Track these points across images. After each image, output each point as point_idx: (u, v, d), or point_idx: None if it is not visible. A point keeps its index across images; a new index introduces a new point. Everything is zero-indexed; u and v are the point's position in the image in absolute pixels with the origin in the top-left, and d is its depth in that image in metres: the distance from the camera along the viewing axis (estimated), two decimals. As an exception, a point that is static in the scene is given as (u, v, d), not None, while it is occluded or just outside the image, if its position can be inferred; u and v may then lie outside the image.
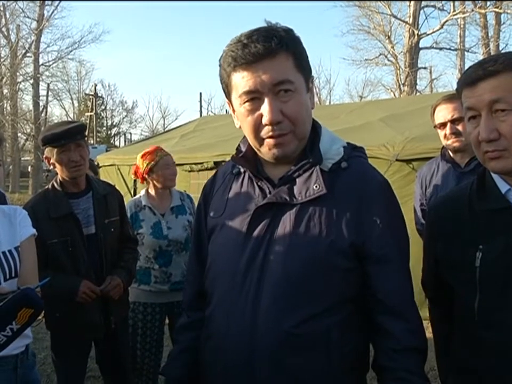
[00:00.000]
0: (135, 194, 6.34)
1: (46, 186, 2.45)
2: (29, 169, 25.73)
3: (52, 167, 2.35)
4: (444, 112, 2.37)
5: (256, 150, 1.21)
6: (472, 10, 18.26)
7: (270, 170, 1.22)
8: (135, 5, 75.09)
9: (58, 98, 31.38)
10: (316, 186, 1.14)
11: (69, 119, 24.31)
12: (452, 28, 20.97)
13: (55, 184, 2.37)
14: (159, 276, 2.78)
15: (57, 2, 25.21)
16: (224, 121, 8.09)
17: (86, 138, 2.41)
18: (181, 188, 3.80)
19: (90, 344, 2.51)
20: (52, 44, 30.82)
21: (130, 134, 39.71)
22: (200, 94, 40.07)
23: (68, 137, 2.25)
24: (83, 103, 35.11)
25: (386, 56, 21.67)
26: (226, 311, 1.17)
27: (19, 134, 26.37)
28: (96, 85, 30.77)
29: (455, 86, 1.18)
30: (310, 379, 1.11)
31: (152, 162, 2.84)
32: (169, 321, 2.89)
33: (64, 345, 2.40)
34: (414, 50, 19.40)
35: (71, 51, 26.55)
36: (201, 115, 28.72)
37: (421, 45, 20.20)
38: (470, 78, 1.09)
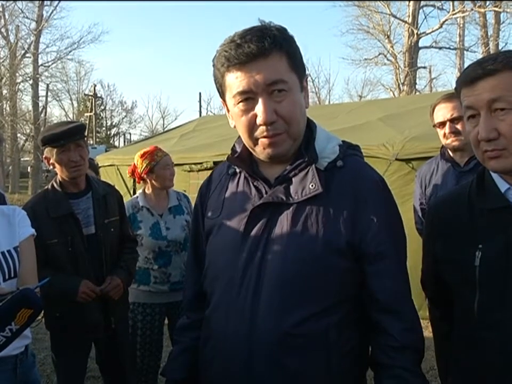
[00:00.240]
0: (134, 194, 6.33)
1: (46, 187, 2.45)
2: (29, 169, 25.74)
3: (51, 167, 2.35)
4: (443, 111, 2.37)
5: (250, 149, 1.21)
6: (472, 10, 18.26)
7: (266, 170, 1.22)
8: (134, 5, 75.10)
9: (57, 98, 31.49)
10: (312, 185, 1.14)
11: (69, 120, 24.29)
12: (451, 27, 20.96)
13: (55, 184, 2.37)
14: (158, 276, 2.77)
15: (56, 2, 25.27)
16: (224, 121, 8.08)
17: (85, 139, 2.41)
18: (181, 188, 3.81)
19: (90, 344, 2.51)
20: (51, 44, 30.96)
21: (130, 134, 39.80)
22: (200, 94, 40.02)
23: (68, 137, 2.25)
24: (82, 103, 35.14)
25: (385, 56, 21.67)
26: (225, 312, 1.17)
27: (18, 135, 26.41)
28: (95, 85, 30.81)
29: (454, 85, 1.18)
30: (309, 379, 1.11)
31: (153, 162, 2.83)
32: (168, 322, 2.88)
33: (64, 346, 2.40)
34: (413, 50, 19.39)
35: (70, 51, 26.64)
36: (200, 115, 28.72)
37: (420, 44, 20.19)
38: (469, 77, 1.09)
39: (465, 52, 20.49)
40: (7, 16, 24.47)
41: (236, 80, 1.11)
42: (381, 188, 1.19)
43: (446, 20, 18.95)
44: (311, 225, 1.13)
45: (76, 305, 2.25)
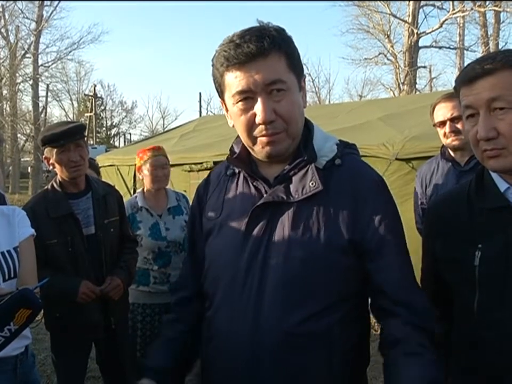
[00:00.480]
0: (134, 194, 6.33)
1: (46, 187, 2.44)
2: (29, 170, 25.75)
3: (51, 167, 2.35)
4: (444, 111, 2.37)
5: (249, 149, 1.21)
6: (472, 9, 18.24)
7: (265, 170, 1.23)
8: (134, 5, 75.13)
9: (57, 99, 31.50)
10: (312, 183, 1.14)
11: (69, 120, 24.30)
12: (451, 26, 20.92)
13: (55, 185, 2.37)
14: (158, 276, 2.78)
15: (56, 2, 25.28)
16: (224, 121, 8.01)
17: (85, 139, 2.41)
18: (181, 188, 3.81)
19: (90, 344, 2.51)
20: (51, 44, 30.85)
21: (130, 134, 39.82)
22: (200, 94, 40.11)
23: (67, 137, 2.24)
24: (82, 103, 35.15)
25: (385, 55, 21.65)
26: (228, 311, 1.17)
27: (19, 135, 26.41)
28: (95, 86, 30.79)
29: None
30: (311, 377, 1.12)
31: (142, 161, 2.84)
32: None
33: (64, 346, 2.40)
34: (413, 49, 19.37)
35: (70, 52, 26.67)
36: (200, 115, 28.72)
37: (420, 44, 20.18)
38: (468, 76, 1.09)
39: (465, 51, 20.49)
40: (7, 17, 24.51)
41: (235, 80, 1.12)
42: (379, 185, 1.20)
43: (446, 20, 18.94)
44: (312, 224, 1.13)
45: (75, 306, 2.25)
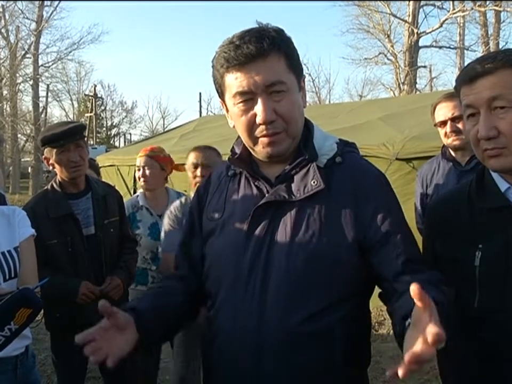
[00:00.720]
0: (134, 194, 6.33)
1: (46, 187, 2.44)
2: (29, 170, 25.75)
3: (51, 167, 2.35)
4: (444, 110, 2.37)
5: (250, 149, 1.22)
6: (472, 9, 18.23)
7: (266, 170, 1.23)
8: (134, 5, 75.10)
9: (58, 99, 31.48)
10: (314, 182, 1.15)
11: (69, 120, 24.31)
12: (451, 26, 20.88)
13: (55, 185, 2.37)
14: (156, 276, 2.77)
15: (56, 2, 25.27)
16: (224, 121, 7.99)
17: (85, 139, 2.41)
18: (181, 188, 3.79)
19: (91, 344, 2.50)
20: (51, 44, 30.72)
21: (130, 134, 39.80)
22: (200, 94, 40.02)
23: (67, 138, 2.24)
24: (83, 103, 35.15)
25: (385, 55, 21.65)
26: (231, 312, 1.17)
27: (19, 135, 26.42)
28: (95, 86, 30.83)
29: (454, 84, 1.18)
30: (315, 375, 1.12)
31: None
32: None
33: (64, 346, 2.39)
34: (413, 49, 19.37)
35: (70, 52, 26.65)
36: (200, 115, 28.71)
37: (420, 44, 20.17)
38: (468, 76, 1.08)
39: (465, 51, 20.48)
40: (7, 17, 24.52)
41: (235, 81, 1.13)
42: (381, 181, 1.21)
43: (446, 19, 18.93)
44: (314, 222, 1.14)
45: (75, 306, 2.25)
